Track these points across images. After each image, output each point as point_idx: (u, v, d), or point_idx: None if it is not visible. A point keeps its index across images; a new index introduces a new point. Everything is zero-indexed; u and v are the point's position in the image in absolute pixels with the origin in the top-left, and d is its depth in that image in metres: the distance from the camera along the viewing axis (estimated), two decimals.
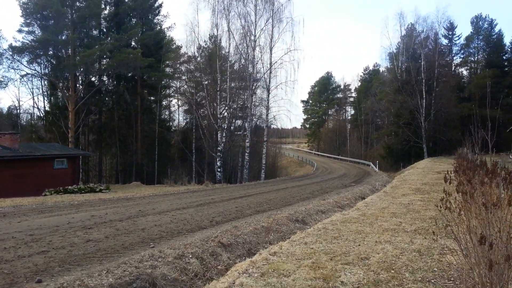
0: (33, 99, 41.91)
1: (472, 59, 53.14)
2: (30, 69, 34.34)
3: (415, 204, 10.47)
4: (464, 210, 3.93)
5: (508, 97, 45.92)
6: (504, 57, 50.49)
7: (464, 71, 55.52)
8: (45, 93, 39.01)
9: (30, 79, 37.04)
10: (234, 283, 4.51)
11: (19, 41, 32.90)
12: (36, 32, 33.21)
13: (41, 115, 39.53)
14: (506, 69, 49.00)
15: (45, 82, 37.80)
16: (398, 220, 8.14)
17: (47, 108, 38.34)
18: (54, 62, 34.18)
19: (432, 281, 4.43)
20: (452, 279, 4.45)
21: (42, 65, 35.73)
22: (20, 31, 32.90)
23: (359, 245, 6.16)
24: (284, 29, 32.95)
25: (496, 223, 3.49)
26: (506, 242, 3.32)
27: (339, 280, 4.47)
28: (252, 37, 32.27)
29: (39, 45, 31.81)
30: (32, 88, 48.67)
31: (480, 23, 51.47)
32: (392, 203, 10.83)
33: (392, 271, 4.77)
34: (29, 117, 44.84)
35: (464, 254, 3.71)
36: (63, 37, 33.12)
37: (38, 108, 40.90)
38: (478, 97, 46.37)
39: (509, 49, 49.81)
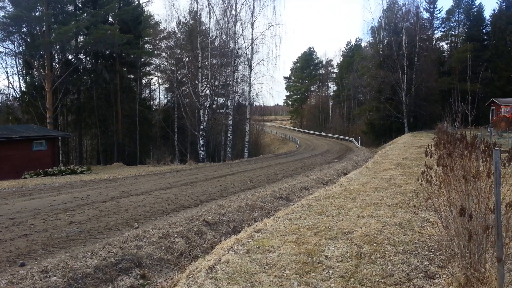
0: (8, 79, 40.77)
1: (453, 32, 53.41)
2: (3, 47, 33.25)
3: (397, 178, 10.67)
4: (444, 183, 4.00)
5: (487, 70, 46.52)
6: (484, 31, 50.82)
7: (444, 45, 55.91)
8: (21, 72, 37.63)
9: (4, 58, 35.85)
10: (220, 260, 4.54)
11: None
12: (8, 7, 31.77)
13: (17, 95, 38.27)
14: (486, 42, 49.42)
15: (20, 61, 36.34)
16: (380, 195, 8.30)
17: (23, 88, 37.07)
18: (29, 40, 32.77)
19: (413, 253, 4.55)
20: (433, 250, 4.58)
21: (16, 43, 34.40)
22: None
23: (342, 220, 6.27)
24: (266, 3, 32.38)
25: (476, 195, 3.57)
26: (484, 213, 3.41)
27: (323, 255, 4.55)
28: (233, 12, 31.61)
29: (12, 22, 30.43)
30: (7, 68, 47.20)
31: None
32: (374, 178, 11.01)
33: (375, 244, 4.87)
34: (5, 98, 43.35)
35: (444, 226, 3.80)
36: (37, 13, 31.71)
37: (13, 88, 39.66)
38: (458, 71, 46.91)
39: (488, 23, 50.14)
